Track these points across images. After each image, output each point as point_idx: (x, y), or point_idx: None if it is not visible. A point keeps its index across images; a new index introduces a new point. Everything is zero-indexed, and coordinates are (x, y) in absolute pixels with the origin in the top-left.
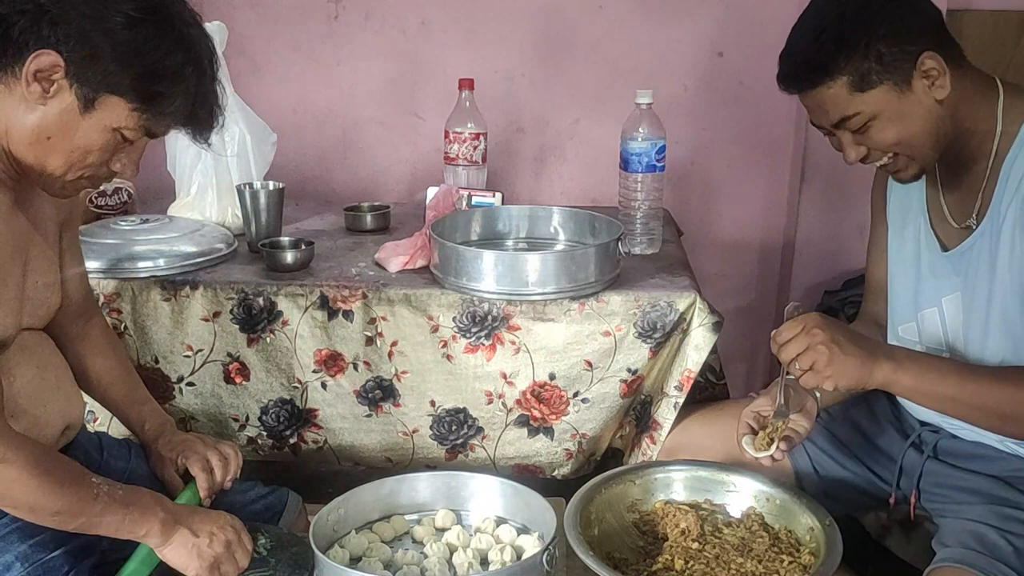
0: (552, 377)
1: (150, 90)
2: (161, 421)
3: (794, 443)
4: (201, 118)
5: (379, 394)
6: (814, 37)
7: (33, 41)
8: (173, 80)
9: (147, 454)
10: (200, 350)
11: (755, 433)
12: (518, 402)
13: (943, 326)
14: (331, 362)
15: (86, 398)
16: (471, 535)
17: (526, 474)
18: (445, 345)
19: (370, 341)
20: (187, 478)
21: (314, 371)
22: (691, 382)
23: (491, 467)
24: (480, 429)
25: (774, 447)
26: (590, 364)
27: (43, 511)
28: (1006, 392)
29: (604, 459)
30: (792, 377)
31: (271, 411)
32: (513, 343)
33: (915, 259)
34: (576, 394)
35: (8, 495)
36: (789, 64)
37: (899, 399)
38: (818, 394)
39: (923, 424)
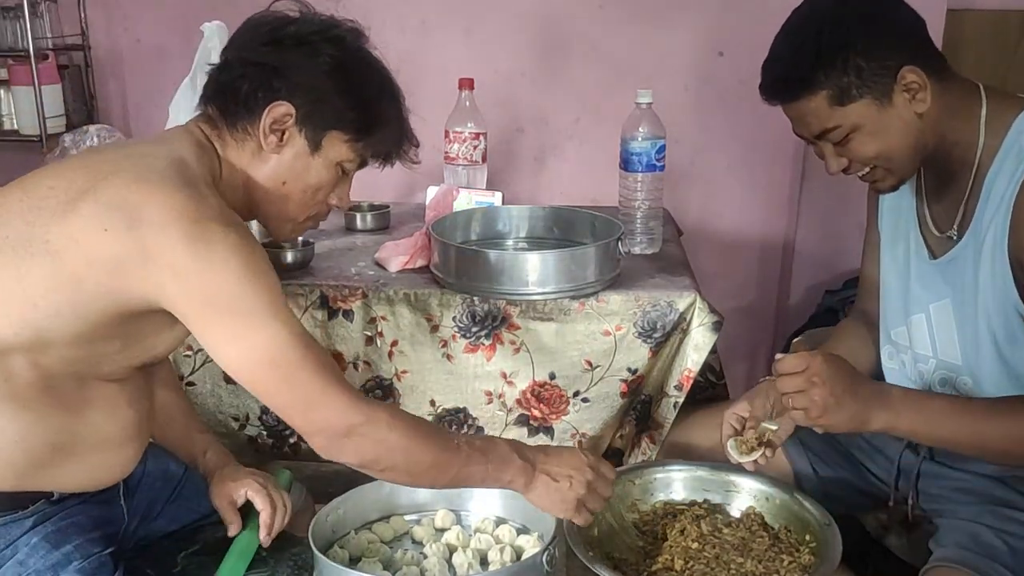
0: (552, 377)
1: (367, 119)
2: (222, 451)
3: (776, 446)
4: (408, 136)
5: (379, 394)
6: (793, 52)
7: (263, 97)
8: (383, 106)
9: (207, 482)
10: (200, 350)
11: (739, 435)
12: (518, 402)
13: (931, 333)
14: None
15: None
16: (470, 535)
17: None
18: (445, 345)
19: (370, 341)
20: (242, 513)
21: None
22: (691, 382)
23: None
24: (480, 429)
25: (758, 453)
26: (590, 364)
27: (419, 465)
28: (1001, 427)
29: (604, 459)
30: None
31: (271, 411)
32: (513, 343)
33: (905, 265)
34: (576, 394)
35: (387, 455)
36: (769, 77)
37: None
38: None
39: None
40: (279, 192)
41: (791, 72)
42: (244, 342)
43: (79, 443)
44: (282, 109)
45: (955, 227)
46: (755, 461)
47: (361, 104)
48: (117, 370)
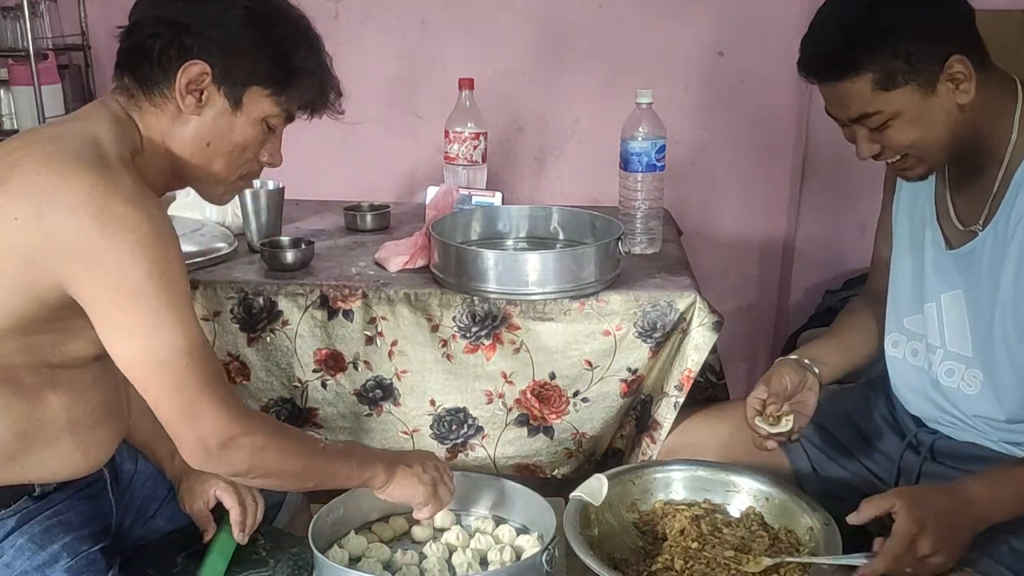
0: (552, 376)
1: (286, 71)
2: None
3: (804, 419)
4: (332, 85)
5: (379, 394)
6: (841, 28)
7: (176, 56)
8: (301, 55)
9: (175, 486)
10: None
11: (761, 415)
12: (518, 401)
13: (940, 322)
14: (331, 362)
15: None
16: (470, 535)
17: (526, 474)
18: (445, 345)
19: (370, 341)
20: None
21: (314, 370)
22: (691, 382)
23: (491, 467)
24: (480, 429)
25: (788, 424)
26: (590, 363)
27: (290, 472)
28: None
29: (604, 459)
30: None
31: (271, 410)
32: (513, 343)
33: (920, 253)
34: (576, 393)
35: (261, 464)
36: (812, 54)
37: (895, 399)
38: (817, 369)
39: (919, 425)
40: (204, 155)
41: (837, 51)
42: (141, 342)
43: (46, 428)
44: (197, 68)
45: (980, 221)
46: (785, 436)
47: (279, 56)
48: (69, 360)
